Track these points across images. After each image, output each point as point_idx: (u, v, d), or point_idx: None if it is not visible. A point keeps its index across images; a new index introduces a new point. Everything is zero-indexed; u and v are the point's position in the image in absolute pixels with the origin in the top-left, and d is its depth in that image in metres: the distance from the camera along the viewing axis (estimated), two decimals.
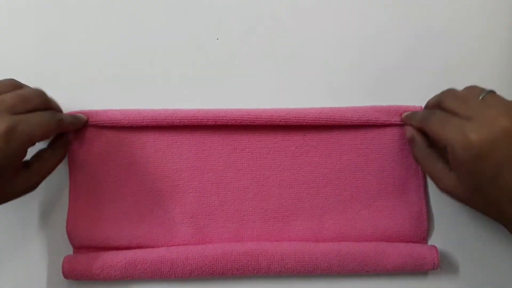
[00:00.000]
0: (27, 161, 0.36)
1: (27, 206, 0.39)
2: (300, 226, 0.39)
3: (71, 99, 0.40)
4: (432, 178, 0.36)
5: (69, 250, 0.39)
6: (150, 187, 0.39)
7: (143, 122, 0.39)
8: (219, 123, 0.39)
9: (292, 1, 0.42)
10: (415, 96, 0.40)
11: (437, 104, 0.36)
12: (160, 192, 0.39)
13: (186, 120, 0.38)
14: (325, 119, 0.39)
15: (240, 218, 0.39)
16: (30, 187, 0.35)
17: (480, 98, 0.33)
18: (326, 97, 0.41)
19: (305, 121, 0.39)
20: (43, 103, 0.35)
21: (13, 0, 0.42)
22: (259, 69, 0.42)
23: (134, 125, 0.39)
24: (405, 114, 0.39)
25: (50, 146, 0.38)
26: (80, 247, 0.39)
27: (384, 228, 0.39)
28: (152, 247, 0.38)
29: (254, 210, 0.39)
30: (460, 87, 0.36)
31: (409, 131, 0.38)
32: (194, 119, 0.38)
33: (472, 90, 0.34)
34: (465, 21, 0.42)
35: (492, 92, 0.33)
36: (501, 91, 0.34)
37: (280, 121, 0.39)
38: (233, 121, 0.39)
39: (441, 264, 0.38)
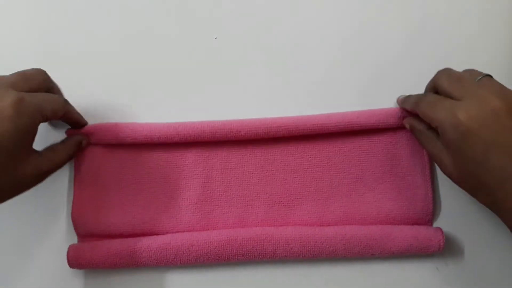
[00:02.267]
0: (38, 151, 0.35)
1: (32, 195, 0.39)
2: (305, 211, 0.39)
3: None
4: (434, 159, 0.36)
5: (74, 240, 0.39)
6: (155, 173, 0.39)
7: (150, 140, 0.38)
8: (222, 139, 0.39)
9: (291, 2, 0.42)
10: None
11: (433, 83, 0.36)
12: (164, 179, 0.39)
13: (189, 137, 0.38)
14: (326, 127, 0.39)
15: (245, 204, 0.39)
16: (39, 175, 0.34)
17: (476, 80, 0.32)
18: (325, 97, 0.41)
19: (310, 132, 0.39)
20: (45, 82, 0.35)
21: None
22: (256, 69, 0.42)
23: (137, 143, 0.39)
24: (401, 97, 0.39)
25: (62, 142, 0.38)
26: (85, 235, 0.39)
27: (389, 211, 0.39)
28: (157, 233, 0.38)
29: (258, 195, 0.39)
30: None
31: (407, 121, 0.38)
32: (199, 136, 0.38)
33: (469, 72, 0.34)
34: (462, 18, 0.42)
35: (488, 76, 0.33)
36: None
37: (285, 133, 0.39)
38: (233, 136, 0.38)
39: (446, 247, 0.38)
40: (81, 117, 0.38)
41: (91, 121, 0.39)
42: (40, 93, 0.34)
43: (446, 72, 0.35)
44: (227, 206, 0.39)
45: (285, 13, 0.42)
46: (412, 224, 0.39)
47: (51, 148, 0.37)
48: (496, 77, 0.33)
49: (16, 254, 0.39)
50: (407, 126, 0.39)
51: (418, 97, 0.36)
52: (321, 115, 0.39)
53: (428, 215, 0.39)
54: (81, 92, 0.40)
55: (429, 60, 0.41)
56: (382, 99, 0.41)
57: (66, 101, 0.36)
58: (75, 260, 0.37)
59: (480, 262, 0.40)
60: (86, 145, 0.39)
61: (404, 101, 0.39)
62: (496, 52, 0.42)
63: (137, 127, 0.39)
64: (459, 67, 0.36)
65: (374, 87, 0.41)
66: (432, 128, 0.36)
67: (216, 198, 0.39)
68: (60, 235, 0.39)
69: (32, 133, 0.33)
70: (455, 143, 0.31)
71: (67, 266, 0.37)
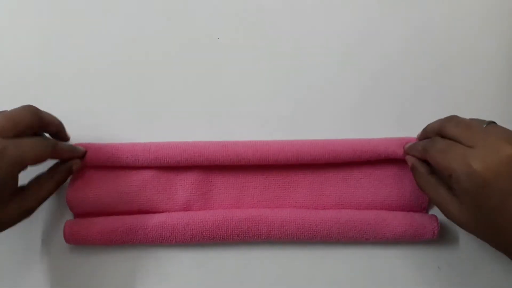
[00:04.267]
0: (22, 186, 0.35)
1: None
2: (301, 193, 0.39)
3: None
4: (437, 205, 0.35)
5: (71, 216, 0.39)
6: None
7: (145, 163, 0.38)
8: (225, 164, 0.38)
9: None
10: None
11: (438, 130, 0.35)
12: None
13: (188, 160, 0.38)
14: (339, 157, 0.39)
15: (241, 185, 0.39)
16: (25, 212, 0.34)
17: (484, 126, 0.32)
18: (326, 103, 0.41)
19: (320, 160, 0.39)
20: (34, 121, 0.33)
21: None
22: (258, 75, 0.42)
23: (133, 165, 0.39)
24: (407, 145, 0.38)
25: (48, 171, 0.37)
26: (81, 214, 0.39)
27: (384, 197, 0.39)
28: (154, 212, 0.38)
29: (254, 176, 0.39)
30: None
31: (410, 159, 0.38)
32: (199, 159, 0.38)
33: (474, 120, 0.34)
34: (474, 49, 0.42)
35: (493, 123, 0.33)
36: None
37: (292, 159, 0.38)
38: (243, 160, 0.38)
39: (441, 235, 0.39)
40: (75, 151, 0.37)
41: (89, 140, 0.39)
42: (26, 139, 0.32)
43: (454, 120, 0.34)
44: (224, 187, 0.39)
45: (289, 19, 0.42)
46: (408, 211, 0.39)
47: (37, 181, 0.35)
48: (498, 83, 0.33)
49: (13, 232, 0.38)
50: (409, 163, 0.38)
51: (427, 143, 0.35)
52: (330, 145, 0.39)
53: (424, 203, 0.39)
54: (78, 109, 0.40)
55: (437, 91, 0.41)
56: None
57: (54, 145, 0.34)
58: (71, 236, 0.37)
59: (475, 250, 0.40)
60: (79, 168, 0.38)
61: (411, 148, 0.38)
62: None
63: (138, 150, 0.38)
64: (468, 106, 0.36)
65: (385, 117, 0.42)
66: (435, 173, 0.36)
67: (212, 179, 0.39)
68: (59, 211, 0.39)
69: (11, 182, 0.32)
70: (470, 193, 0.30)
71: (64, 242, 0.38)
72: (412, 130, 0.39)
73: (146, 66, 0.41)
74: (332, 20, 0.42)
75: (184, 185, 0.39)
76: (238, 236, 0.37)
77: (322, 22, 0.42)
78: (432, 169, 0.37)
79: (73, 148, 0.37)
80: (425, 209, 0.40)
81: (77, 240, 0.37)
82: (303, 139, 0.40)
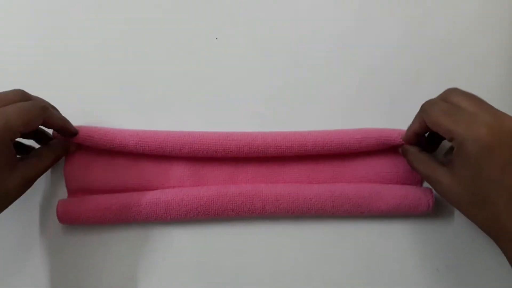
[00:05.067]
0: (22, 157, 0.35)
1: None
2: (295, 168, 0.39)
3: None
4: (429, 181, 0.35)
5: (65, 196, 0.39)
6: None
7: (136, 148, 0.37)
8: (220, 155, 0.38)
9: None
10: None
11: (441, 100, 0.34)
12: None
13: (182, 149, 0.37)
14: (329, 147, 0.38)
15: (236, 161, 0.39)
16: (28, 181, 0.34)
17: None
18: (325, 102, 0.41)
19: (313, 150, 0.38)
20: (22, 98, 0.33)
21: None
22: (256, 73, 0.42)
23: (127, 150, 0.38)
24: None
25: (47, 145, 0.37)
26: (76, 190, 0.38)
27: (378, 170, 0.39)
28: (148, 188, 0.38)
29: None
30: None
31: (401, 147, 0.38)
32: (192, 148, 0.37)
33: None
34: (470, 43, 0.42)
35: None
36: None
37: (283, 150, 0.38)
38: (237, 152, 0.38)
39: (436, 210, 0.39)
40: (69, 124, 0.36)
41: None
42: (11, 105, 0.32)
43: (456, 90, 0.34)
44: (218, 163, 0.39)
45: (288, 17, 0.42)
46: (402, 184, 0.39)
47: (36, 153, 0.36)
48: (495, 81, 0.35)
49: (6, 212, 0.39)
50: (400, 150, 0.38)
51: (426, 105, 0.35)
52: (325, 135, 0.38)
53: (418, 176, 0.39)
54: (73, 96, 0.40)
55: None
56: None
57: (44, 108, 0.33)
58: (65, 215, 0.37)
59: (470, 225, 0.40)
60: (74, 151, 0.38)
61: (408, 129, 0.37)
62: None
63: (131, 136, 0.37)
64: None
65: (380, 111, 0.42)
66: (425, 150, 0.36)
67: (207, 155, 0.39)
68: (53, 192, 0.39)
69: (5, 150, 0.31)
70: (474, 158, 0.30)
71: (58, 222, 0.37)
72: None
73: (145, 65, 0.41)
74: (330, 18, 0.42)
75: (178, 162, 0.39)
76: (232, 211, 0.37)
77: (320, 20, 0.42)
78: (422, 149, 0.37)
79: (63, 117, 0.36)
80: (419, 183, 0.40)
81: (71, 219, 0.37)
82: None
